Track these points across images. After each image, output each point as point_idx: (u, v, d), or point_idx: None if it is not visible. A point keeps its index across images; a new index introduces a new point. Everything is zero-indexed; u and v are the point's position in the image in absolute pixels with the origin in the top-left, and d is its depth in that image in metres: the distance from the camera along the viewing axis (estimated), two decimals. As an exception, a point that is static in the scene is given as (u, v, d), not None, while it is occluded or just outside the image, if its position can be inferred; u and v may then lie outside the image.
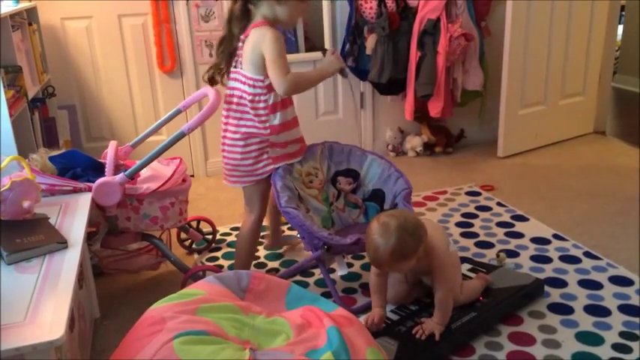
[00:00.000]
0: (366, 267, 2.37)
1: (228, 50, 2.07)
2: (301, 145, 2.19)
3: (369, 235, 1.75)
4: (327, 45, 3.44)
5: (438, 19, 3.29)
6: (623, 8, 4.77)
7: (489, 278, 2.08)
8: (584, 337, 1.87)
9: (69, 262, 1.52)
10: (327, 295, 2.11)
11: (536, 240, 2.52)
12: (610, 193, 2.98)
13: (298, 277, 2.30)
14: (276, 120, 2.04)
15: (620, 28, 4.89)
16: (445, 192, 3.06)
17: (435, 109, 3.40)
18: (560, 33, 3.55)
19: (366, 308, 2.05)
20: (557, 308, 2.02)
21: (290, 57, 3.42)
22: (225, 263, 2.46)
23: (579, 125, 3.88)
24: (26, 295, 1.36)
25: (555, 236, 2.54)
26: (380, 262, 1.75)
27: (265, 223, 2.32)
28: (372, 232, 1.74)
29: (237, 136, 2.06)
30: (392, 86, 3.44)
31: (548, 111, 3.68)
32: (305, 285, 2.24)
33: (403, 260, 1.73)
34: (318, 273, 2.30)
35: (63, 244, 1.59)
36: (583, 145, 3.75)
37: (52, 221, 1.74)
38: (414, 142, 3.68)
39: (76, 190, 2.01)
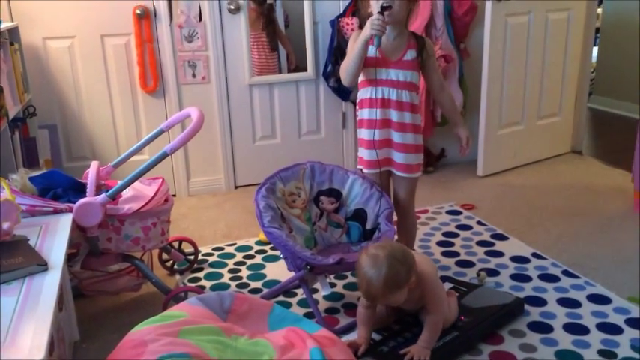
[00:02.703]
0: (348, 287, 2.37)
1: None
2: (373, 158, 2.19)
3: (360, 269, 1.75)
4: (309, 65, 3.49)
5: (418, 41, 3.35)
6: (598, 31, 4.89)
7: (454, 292, 2.11)
8: (563, 355, 1.89)
9: (49, 284, 1.51)
10: (309, 315, 2.11)
11: (515, 258, 2.55)
12: (587, 212, 3.04)
13: (281, 298, 2.30)
14: (361, 116, 2.23)
15: (596, 50, 5.01)
16: (426, 211, 3.09)
17: (415, 129, 3.44)
18: (537, 55, 3.64)
19: (349, 328, 2.06)
20: (537, 327, 2.05)
21: (272, 77, 3.52)
22: (208, 284, 2.45)
23: (557, 145, 3.96)
24: (6, 317, 1.35)
25: (534, 255, 2.58)
26: (374, 294, 1.74)
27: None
28: (362, 266, 1.74)
29: None
30: (373, 106, 3.47)
31: (526, 131, 3.75)
32: (288, 305, 2.24)
33: (397, 289, 1.73)
34: (300, 293, 2.30)
35: (43, 266, 1.58)
36: (560, 164, 3.82)
37: (32, 243, 1.73)
38: (396, 162, 3.72)
39: (56, 211, 2.00)
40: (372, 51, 2.12)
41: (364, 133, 2.22)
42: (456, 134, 2.32)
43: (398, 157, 2.21)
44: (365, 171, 2.26)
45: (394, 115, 2.16)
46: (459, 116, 2.36)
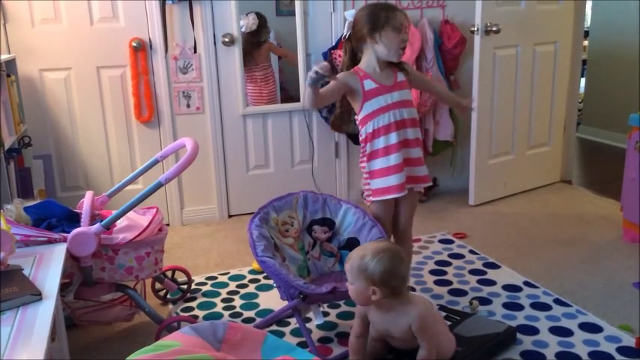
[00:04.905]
0: (342, 316, 2.38)
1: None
2: (398, 182, 2.21)
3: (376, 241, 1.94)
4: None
5: (409, 73, 3.42)
6: (585, 62, 5.00)
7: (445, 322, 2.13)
8: (556, 384, 1.90)
9: (43, 314, 1.51)
10: (303, 344, 2.11)
11: (507, 287, 2.57)
12: (577, 241, 3.06)
13: (274, 327, 2.30)
14: (376, 146, 2.22)
15: (583, 81, 5.12)
16: (419, 240, 3.11)
17: (407, 158, 3.49)
18: (525, 86, 3.71)
19: (342, 358, 2.06)
20: (529, 356, 2.05)
21: (266, 107, 3.58)
22: (201, 313, 2.44)
23: (546, 174, 4.01)
24: (-1, 348, 1.35)
25: (526, 283, 2.59)
26: (354, 256, 1.83)
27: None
28: (380, 242, 1.95)
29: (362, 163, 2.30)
30: (366, 136, 3.52)
31: (517, 161, 3.81)
32: (281, 334, 2.24)
33: (359, 271, 1.79)
34: (294, 322, 2.30)
35: (37, 296, 1.58)
36: (551, 193, 3.86)
37: (26, 272, 1.73)
38: (388, 191, 3.75)
39: (50, 241, 2.00)
40: (370, 84, 2.19)
41: (382, 162, 2.21)
42: (458, 104, 2.50)
43: (420, 171, 2.28)
44: (392, 196, 2.22)
45: (410, 133, 2.23)
46: (453, 95, 2.54)
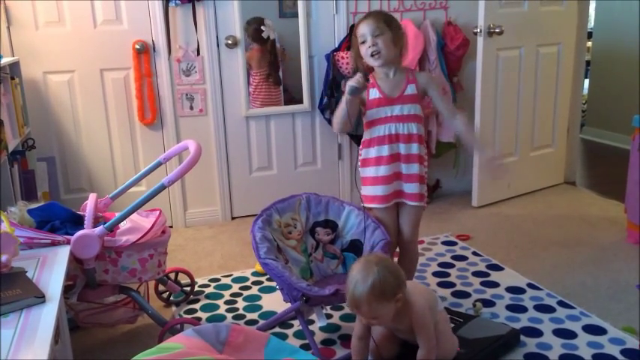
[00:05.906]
0: (345, 318, 2.37)
1: None
2: (384, 193, 2.22)
3: (350, 272, 1.77)
4: (305, 98, 3.55)
5: (412, 75, 3.42)
6: (588, 63, 4.99)
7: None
8: (560, 386, 1.89)
9: (46, 317, 1.51)
10: (306, 346, 2.11)
11: (511, 289, 2.56)
12: (581, 243, 3.05)
13: (277, 329, 2.30)
14: (367, 155, 2.25)
15: (587, 82, 5.10)
16: (422, 242, 3.10)
17: (410, 160, 3.48)
18: (529, 87, 3.71)
19: (345, 360, 2.06)
20: (533, 358, 2.05)
21: (269, 109, 3.58)
22: (204, 315, 2.44)
23: (550, 176, 4.00)
24: (2, 350, 1.34)
25: (530, 285, 2.59)
26: (358, 298, 1.73)
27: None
28: (353, 268, 1.78)
29: None
30: (369, 138, 3.52)
31: (520, 162, 3.80)
32: (284, 337, 2.24)
33: (382, 298, 1.72)
34: (297, 324, 2.30)
35: (41, 298, 1.58)
36: (554, 195, 3.85)
37: (29, 275, 1.73)
38: (391, 193, 3.74)
39: (54, 243, 2.01)
40: (375, 94, 2.18)
41: (372, 171, 2.23)
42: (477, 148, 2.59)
43: (408, 187, 2.24)
44: (377, 206, 2.24)
45: (402, 148, 2.20)
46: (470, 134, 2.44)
